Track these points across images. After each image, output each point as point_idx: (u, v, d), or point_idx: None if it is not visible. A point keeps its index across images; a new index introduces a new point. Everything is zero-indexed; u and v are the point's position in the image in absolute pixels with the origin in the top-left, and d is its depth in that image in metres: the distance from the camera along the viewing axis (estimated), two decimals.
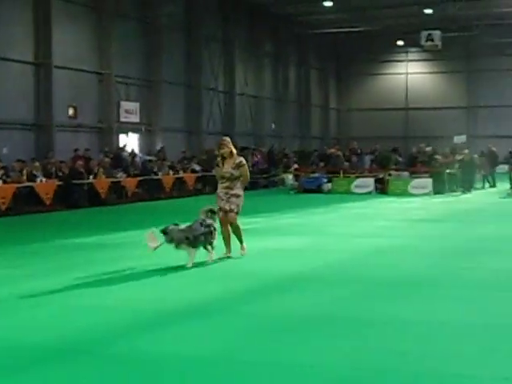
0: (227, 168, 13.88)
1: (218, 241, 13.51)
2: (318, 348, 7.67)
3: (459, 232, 18.70)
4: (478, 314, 9.19)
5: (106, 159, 31.21)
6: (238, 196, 13.89)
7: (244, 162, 14.06)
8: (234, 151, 14.07)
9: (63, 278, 11.84)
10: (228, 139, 14.23)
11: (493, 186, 38.35)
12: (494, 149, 41.54)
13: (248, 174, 14.32)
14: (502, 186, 35.94)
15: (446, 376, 6.74)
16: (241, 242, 14.18)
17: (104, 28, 36.28)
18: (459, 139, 39.54)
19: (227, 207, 13.80)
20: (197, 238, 12.87)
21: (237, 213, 13.88)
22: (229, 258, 13.87)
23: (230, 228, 13.98)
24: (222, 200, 13.86)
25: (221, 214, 13.80)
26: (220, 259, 13.51)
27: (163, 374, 6.92)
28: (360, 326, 8.62)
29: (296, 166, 41.32)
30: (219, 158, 14.09)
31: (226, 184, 13.87)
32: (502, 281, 11.45)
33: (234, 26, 48.22)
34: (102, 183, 28.79)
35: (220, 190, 13.98)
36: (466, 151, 35.55)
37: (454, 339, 7.99)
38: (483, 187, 37.61)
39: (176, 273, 12.39)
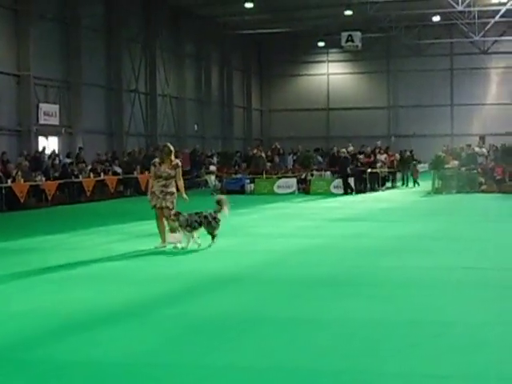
0: (164, 168, 15.38)
1: None
2: (241, 348, 7.64)
3: (379, 231, 18.88)
4: (399, 311, 9.28)
5: (25, 162, 30.54)
6: (172, 194, 15.39)
7: (180, 163, 15.78)
8: (173, 154, 15.76)
9: None
10: (170, 144, 16.07)
11: (406, 185, 39.24)
12: (408, 153, 42.31)
13: (181, 173, 15.81)
14: (423, 185, 36.67)
15: (371, 374, 6.77)
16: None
17: (22, 29, 35.60)
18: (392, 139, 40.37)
19: (163, 204, 15.25)
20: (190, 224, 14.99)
21: (172, 209, 15.27)
22: (163, 247, 15.23)
23: (165, 222, 15.44)
24: (158, 198, 15.33)
25: (158, 210, 15.36)
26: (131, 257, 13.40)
27: (78, 380, 6.78)
28: (284, 325, 8.62)
29: (213, 167, 40.86)
30: (157, 159, 15.74)
31: (162, 183, 15.34)
32: (422, 279, 11.57)
33: (155, 27, 47.89)
34: (20, 187, 28.15)
35: (156, 189, 15.38)
36: (344, 150, 35.78)
37: (376, 337, 8.02)
38: (392, 186, 38.26)
39: (99, 276, 12.21)
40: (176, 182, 15.52)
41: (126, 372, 6.96)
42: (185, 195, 15.63)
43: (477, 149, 37.12)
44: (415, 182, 39.08)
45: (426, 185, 35.51)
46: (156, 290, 10.94)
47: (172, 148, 15.82)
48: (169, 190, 15.31)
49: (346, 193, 33.30)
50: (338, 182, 34.30)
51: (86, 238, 17.97)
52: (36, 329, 8.67)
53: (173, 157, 15.68)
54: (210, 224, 15.30)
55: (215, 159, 43.92)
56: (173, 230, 15.29)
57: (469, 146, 37.16)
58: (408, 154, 42.02)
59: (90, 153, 37.68)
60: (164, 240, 15.48)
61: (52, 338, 8.22)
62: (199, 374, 6.86)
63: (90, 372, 6.99)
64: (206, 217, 15.22)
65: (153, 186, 15.49)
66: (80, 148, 37.53)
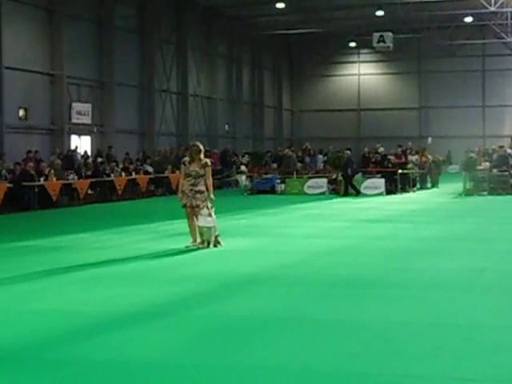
0: (194, 167, 15.51)
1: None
2: (267, 349, 7.66)
3: (409, 232, 18.79)
4: (426, 313, 9.25)
5: (57, 161, 30.85)
6: (201, 192, 15.49)
7: (209, 163, 15.88)
8: (203, 153, 15.85)
9: (9, 282, 11.70)
10: (199, 143, 16.12)
11: (431, 187, 38.93)
12: (437, 155, 42.28)
13: (210, 173, 15.96)
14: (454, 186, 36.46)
15: (396, 376, 6.76)
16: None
17: (56, 29, 35.97)
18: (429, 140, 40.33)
19: (193, 203, 15.37)
20: None
21: (202, 208, 15.31)
22: (195, 246, 15.37)
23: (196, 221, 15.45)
24: (188, 197, 15.48)
25: (188, 209, 15.50)
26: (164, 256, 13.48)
27: (106, 380, 6.81)
28: (311, 327, 8.64)
29: (243, 167, 40.83)
30: (187, 158, 15.84)
31: (192, 181, 15.47)
32: (451, 281, 11.56)
33: (187, 27, 48.09)
34: (53, 185, 28.43)
35: (186, 187, 15.55)
36: (348, 152, 35.57)
37: (403, 339, 8.02)
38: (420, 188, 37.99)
39: (130, 275, 12.32)
40: (205, 180, 15.61)
41: (155, 372, 7.00)
42: (212, 195, 15.74)
43: (509, 150, 36.85)
44: (433, 184, 38.90)
45: (456, 187, 35.17)
46: (186, 289, 10.99)
47: (201, 147, 15.94)
48: (198, 188, 15.44)
49: (345, 194, 33.07)
50: (371, 182, 34.17)
51: (118, 237, 18.12)
52: (64, 328, 8.71)
53: (202, 156, 15.76)
54: None
55: (244, 159, 43.88)
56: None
57: (501, 147, 36.86)
58: (437, 156, 41.85)
59: (122, 152, 37.92)
60: (195, 239, 15.57)
61: (80, 338, 8.24)
62: (227, 374, 6.89)
63: (118, 371, 7.04)
64: None
65: (183, 184, 15.65)
66: (109, 147, 37.72)
